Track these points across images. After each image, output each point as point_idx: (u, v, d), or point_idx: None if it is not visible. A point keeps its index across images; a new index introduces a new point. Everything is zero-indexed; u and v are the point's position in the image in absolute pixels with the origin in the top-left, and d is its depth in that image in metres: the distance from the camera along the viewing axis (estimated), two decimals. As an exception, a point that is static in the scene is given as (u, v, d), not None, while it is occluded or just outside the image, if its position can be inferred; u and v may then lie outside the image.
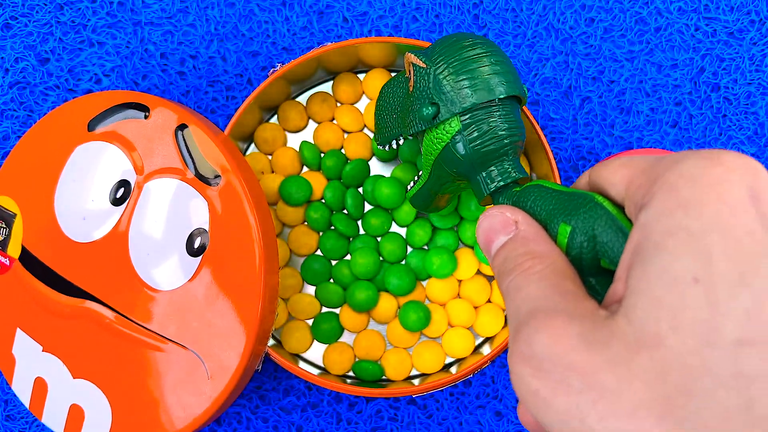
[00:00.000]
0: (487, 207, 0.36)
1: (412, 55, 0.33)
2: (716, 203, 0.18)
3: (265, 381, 0.48)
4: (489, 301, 0.47)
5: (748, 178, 0.19)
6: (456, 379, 0.43)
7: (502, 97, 0.32)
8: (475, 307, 0.47)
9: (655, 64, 0.51)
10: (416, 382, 0.45)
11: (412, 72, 0.34)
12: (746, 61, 0.51)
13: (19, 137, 0.50)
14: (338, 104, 0.49)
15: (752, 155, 0.50)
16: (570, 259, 0.24)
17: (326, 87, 0.49)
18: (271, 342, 0.46)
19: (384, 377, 0.46)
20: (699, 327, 0.17)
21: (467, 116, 0.32)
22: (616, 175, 0.23)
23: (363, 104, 0.49)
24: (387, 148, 0.39)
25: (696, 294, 0.18)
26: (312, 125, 0.49)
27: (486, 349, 0.46)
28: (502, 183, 0.32)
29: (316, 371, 0.46)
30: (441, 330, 0.47)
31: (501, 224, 0.26)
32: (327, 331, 0.46)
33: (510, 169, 0.33)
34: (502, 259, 0.25)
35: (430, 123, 0.33)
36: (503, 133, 0.32)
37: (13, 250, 0.43)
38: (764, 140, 0.50)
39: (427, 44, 0.45)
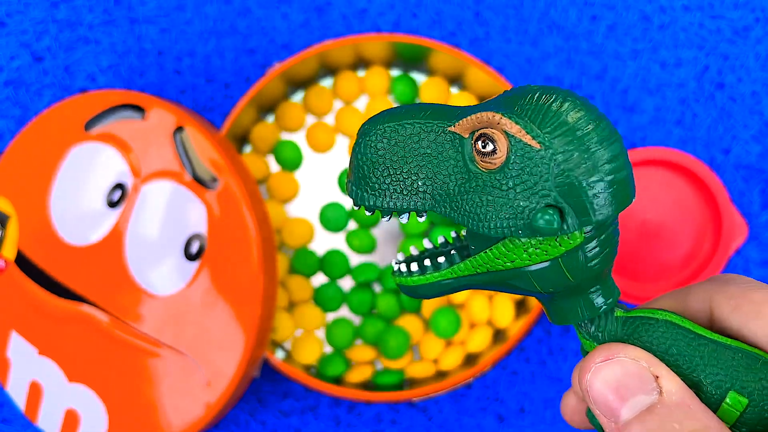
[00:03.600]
0: (598, 346, 0.24)
1: (507, 121, 0.23)
2: None
3: (263, 383, 0.48)
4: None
5: None
6: (449, 385, 0.42)
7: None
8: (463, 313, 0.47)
9: (659, 62, 0.50)
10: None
11: (505, 145, 0.22)
12: (751, 59, 0.50)
13: (15, 136, 0.50)
14: (340, 103, 0.48)
15: (757, 154, 0.49)
16: None
17: (326, 84, 0.48)
18: (281, 354, 0.46)
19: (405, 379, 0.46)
20: None
21: (593, 229, 0.23)
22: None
23: (363, 102, 0.48)
24: (371, 213, 0.25)
25: None
26: (308, 125, 0.48)
27: (493, 342, 0.45)
28: (605, 307, 0.24)
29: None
30: (466, 332, 0.47)
31: (637, 378, 0.19)
32: (341, 336, 0.47)
33: (612, 288, 0.24)
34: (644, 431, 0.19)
35: (546, 235, 0.22)
36: (616, 245, 0.24)
37: (9, 251, 0.43)
38: (769, 139, 0.50)
39: (430, 41, 0.44)
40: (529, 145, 0.22)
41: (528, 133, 0.22)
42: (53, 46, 0.50)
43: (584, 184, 0.22)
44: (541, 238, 0.23)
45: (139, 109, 0.40)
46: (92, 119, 0.41)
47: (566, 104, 0.23)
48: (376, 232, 0.48)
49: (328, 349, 0.47)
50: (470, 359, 0.46)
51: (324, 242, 0.48)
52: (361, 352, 0.46)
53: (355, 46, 0.45)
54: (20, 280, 0.42)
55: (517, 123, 0.23)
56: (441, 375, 0.45)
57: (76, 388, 0.40)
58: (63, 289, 0.41)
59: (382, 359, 0.47)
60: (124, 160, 0.40)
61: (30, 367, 0.42)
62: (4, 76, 0.50)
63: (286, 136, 0.48)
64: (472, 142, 0.23)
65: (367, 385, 0.45)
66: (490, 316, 0.46)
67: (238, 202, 0.37)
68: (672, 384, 0.20)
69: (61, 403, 0.41)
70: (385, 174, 0.24)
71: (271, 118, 0.48)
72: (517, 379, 0.48)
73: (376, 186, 0.24)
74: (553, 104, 0.23)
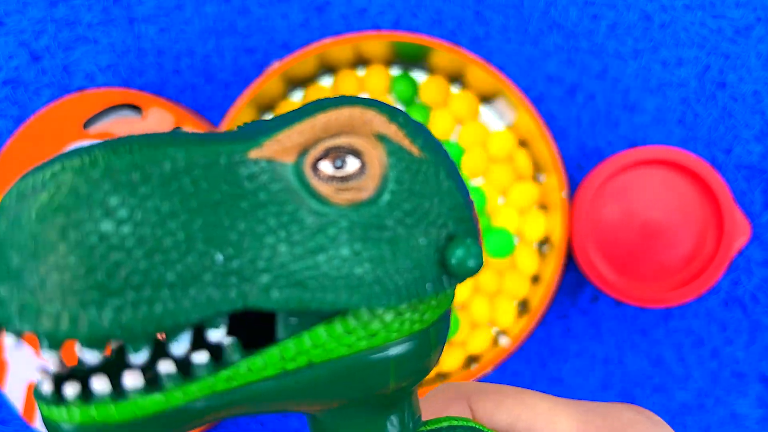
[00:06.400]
0: None
1: (382, 117, 0.15)
2: None
3: (263, 384, 0.48)
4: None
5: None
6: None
7: None
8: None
9: (660, 61, 0.50)
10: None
11: (377, 157, 0.15)
12: (753, 58, 0.50)
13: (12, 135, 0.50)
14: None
15: (759, 154, 0.49)
16: None
17: (326, 84, 0.48)
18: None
19: None
20: None
21: None
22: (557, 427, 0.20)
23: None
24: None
25: None
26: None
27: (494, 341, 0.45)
28: (419, 416, 0.18)
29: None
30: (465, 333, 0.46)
31: None
32: None
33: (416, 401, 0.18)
34: None
35: (462, 279, 0.15)
36: None
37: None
38: (771, 139, 0.49)
39: (430, 40, 0.44)
40: (411, 152, 0.15)
41: (406, 135, 0.15)
42: (52, 45, 0.50)
43: (467, 202, 0.16)
44: (422, 298, 0.15)
45: (137, 108, 0.40)
46: (91, 118, 0.41)
47: (394, 111, 0.16)
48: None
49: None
50: (471, 361, 0.46)
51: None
52: None
53: (354, 45, 0.45)
54: (18, 280, 0.42)
55: (391, 119, 0.15)
56: (441, 376, 0.45)
57: (73, 389, 0.40)
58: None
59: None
60: (122, 159, 0.40)
61: (27, 368, 0.41)
62: (2, 75, 0.50)
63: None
64: (308, 168, 0.14)
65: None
66: (491, 317, 0.46)
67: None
68: None
69: (59, 403, 0.40)
70: (144, 258, 0.13)
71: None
72: (517, 381, 0.47)
73: (129, 285, 0.13)
74: (387, 109, 0.15)
